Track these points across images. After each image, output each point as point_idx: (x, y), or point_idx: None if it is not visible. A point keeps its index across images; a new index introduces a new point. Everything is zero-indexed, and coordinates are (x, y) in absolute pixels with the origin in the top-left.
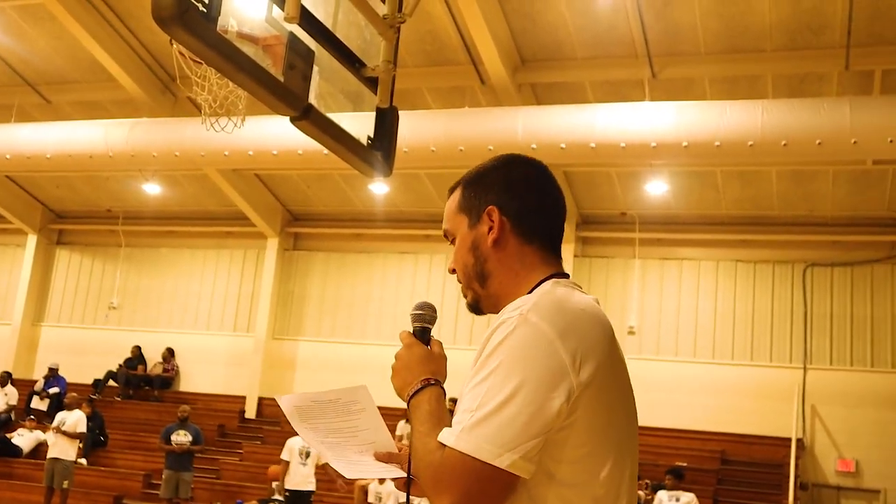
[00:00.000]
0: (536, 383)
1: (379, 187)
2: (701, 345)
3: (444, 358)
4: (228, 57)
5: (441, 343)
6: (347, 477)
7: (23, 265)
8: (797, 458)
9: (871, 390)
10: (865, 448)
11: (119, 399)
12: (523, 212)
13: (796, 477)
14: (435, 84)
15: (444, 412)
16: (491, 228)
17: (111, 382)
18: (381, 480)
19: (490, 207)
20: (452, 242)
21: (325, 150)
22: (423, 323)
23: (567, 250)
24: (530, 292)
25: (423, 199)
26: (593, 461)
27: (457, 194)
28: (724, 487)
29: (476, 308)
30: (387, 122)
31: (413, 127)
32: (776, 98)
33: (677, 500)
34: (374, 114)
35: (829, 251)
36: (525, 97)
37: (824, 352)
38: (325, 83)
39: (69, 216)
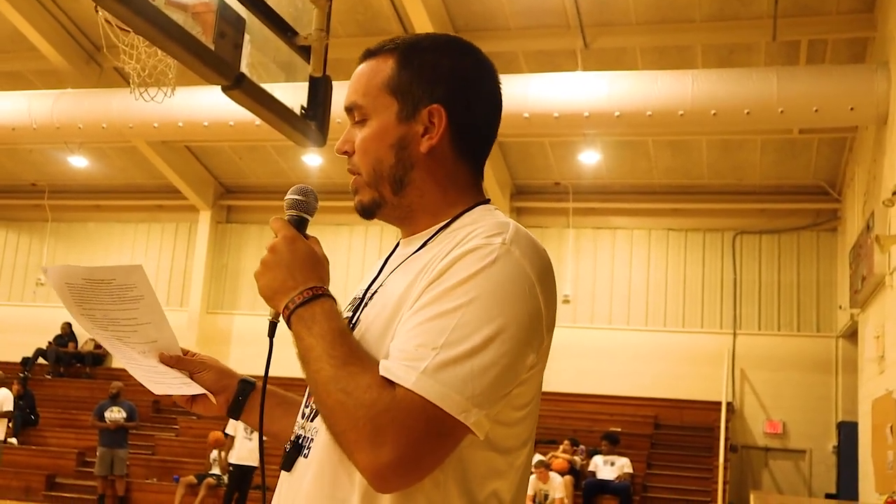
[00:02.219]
0: (516, 331)
1: (312, 158)
2: (634, 312)
3: (328, 261)
4: (157, 24)
5: (319, 242)
6: (155, 393)
7: None
8: (727, 421)
9: (797, 354)
10: (792, 410)
11: (49, 377)
12: (470, 122)
13: (726, 439)
14: None
15: (352, 334)
16: (428, 131)
17: (41, 360)
18: None
19: (436, 107)
20: (357, 122)
21: (258, 121)
22: (302, 212)
23: None
24: (459, 215)
25: None
26: (525, 426)
27: (387, 66)
28: (657, 451)
29: (370, 212)
30: (320, 91)
31: (345, 97)
32: (705, 68)
33: (612, 464)
34: (307, 83)
35: (757, 219)
36: None
37: (753, 317)
38: (257, 52)
39: None
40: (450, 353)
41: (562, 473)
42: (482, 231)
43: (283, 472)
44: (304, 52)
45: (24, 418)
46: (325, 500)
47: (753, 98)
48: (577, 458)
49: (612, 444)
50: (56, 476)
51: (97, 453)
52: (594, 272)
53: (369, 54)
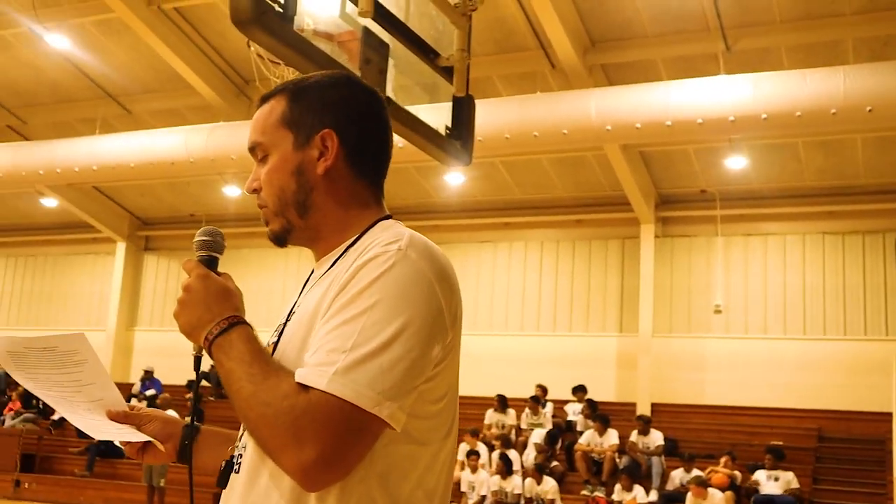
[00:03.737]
0: (419, 326)
1: (454, 177)
2: (791, 321)
3: (241, 293)
4: (306, 55)
5: (231, 277)
6: (95, 438)
7: (113, 272)
8: None
9: None
10: None
11: (212, 399)
12: (361, 142)
13: None
14: (505, 71)
15: (269, 354)
16: (322, 155)
17: (204, 382)
18: (474, 469)
19: (327, 131)
20: (261, 160)
21: (400, 143)
22: (210, 251)
23: (647, 231)
24: (364, 232)
25: (500, 188)
26: (443, 419)
27: (280, 105)
28: (824, 466)
29: (282, 239)
30: (464, 111)
31: (486, 115)
32: (858, 63)
33: (776, 479)
34: (450, 103)
35: None
36: (597, 79)
37: None
38: (401, 75)
39: (155, 222)
40: (358, 353)
41: (722, 489)
42: (381, 241)
43: (221, 489)
44: (447, 72)
45: None
46: None
47: None
48: (737, 473)
49: (778, 458)
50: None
51: None
52: (746, 281)
53: (263, 100)
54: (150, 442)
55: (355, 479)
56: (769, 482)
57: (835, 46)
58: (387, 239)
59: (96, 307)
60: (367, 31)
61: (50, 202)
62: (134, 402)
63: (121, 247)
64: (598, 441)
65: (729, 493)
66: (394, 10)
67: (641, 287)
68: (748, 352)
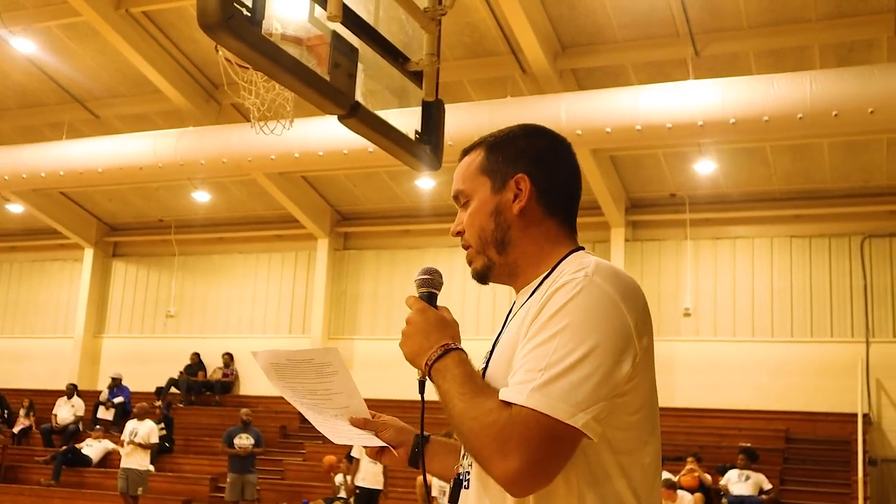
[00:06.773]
0: (607, 345)
1: (425, 182)
2: (759, 323)
3: (457, 324)
4: (274, 59)
5: (449, 310)
6: (335, 442)
7: (81, 279)
8: (864, 433)
9: None
10: None
11: (181, 405)
12: (551, 184)
13: (864, 453)
14: (476, 76)
15: (479, 375)
16: (517, 196)
17: (173, 389)
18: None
19: (520, 175)
20: (463, 205)
21: (371, 148)
22: (430, 288)
23: (617, 234)
24: (557, 264)
25: None
26: (642, 428)
27: (478, 156)
28: (791, 466)
29: (484, 276)
30: (433, 115)
31: (456, 120)
32: (824, 68)
33: (746, 478)
34: (420, 108)
35: (887, 222)
36: (567, 83)
37: (887, 324)
38: (371, 80)
39: (123, 228)
40: (552, 371)
41: (692, 491)
42: (569, 270)
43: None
44: (416, 77)
45: (160, 446)
46: None
47: (877, 96)
48: (707, 476)
49: (751, 459)
50: (192, 501)
51: (228, 479)
52: (715, 284)
53: (465, 152)
54: (386, 446)
55: (565, 487)
56: (739, 482)
57: (801, 52)
58: (574, 267)
59: (63, 314)
60: (336, 35)
61: (16, 208)
62: (102, 409)
63: (88, 253)
64: None
65: (699, 494)
66: (363, 15)
67: None
68: (717, 354)
